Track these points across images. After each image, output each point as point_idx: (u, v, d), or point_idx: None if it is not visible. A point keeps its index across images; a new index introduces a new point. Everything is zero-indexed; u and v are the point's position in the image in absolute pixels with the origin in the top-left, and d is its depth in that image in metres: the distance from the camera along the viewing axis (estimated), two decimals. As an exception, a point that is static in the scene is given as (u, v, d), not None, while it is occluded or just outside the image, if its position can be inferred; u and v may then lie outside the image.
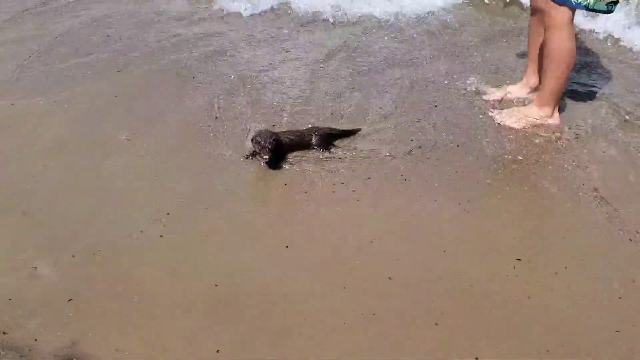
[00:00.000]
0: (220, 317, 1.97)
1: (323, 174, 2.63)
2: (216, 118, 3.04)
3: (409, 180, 2.59)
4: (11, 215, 2.40)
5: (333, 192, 2.52)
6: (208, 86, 3.34)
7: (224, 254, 2.23)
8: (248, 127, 2.90)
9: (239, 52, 3.76)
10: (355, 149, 2.81)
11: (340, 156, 2.75)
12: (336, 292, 2.05)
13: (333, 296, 2.04)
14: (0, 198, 2.50)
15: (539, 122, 2.82)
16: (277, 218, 2.43)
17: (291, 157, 2.73)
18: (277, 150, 2.61)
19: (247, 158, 2.70)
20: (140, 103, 3.19)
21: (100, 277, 2.11)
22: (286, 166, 2.67)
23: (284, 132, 2.74)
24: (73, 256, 2.20)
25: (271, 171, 2.64)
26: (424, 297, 2.03)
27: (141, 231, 2.31)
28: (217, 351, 1.85)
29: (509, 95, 3.10)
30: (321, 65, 3.59)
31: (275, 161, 2.63)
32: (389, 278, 2.10)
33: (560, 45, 2.62)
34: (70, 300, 2.02)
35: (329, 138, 2.79)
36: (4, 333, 1.89)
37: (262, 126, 2.82)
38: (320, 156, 2.73)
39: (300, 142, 2.74)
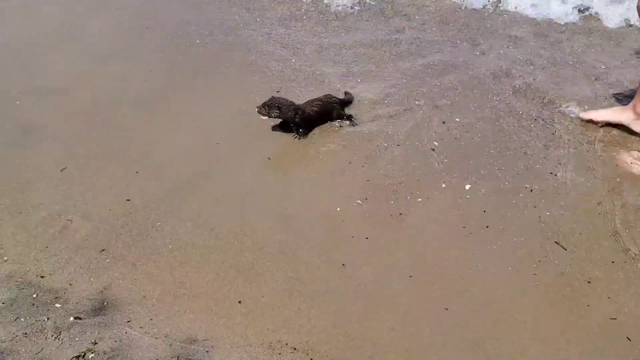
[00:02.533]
0: (245, 269, 2.04)
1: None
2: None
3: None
4: (50, 170, 2.52)
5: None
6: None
7: (252, 210, 2.30)
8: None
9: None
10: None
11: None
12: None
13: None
14: (41, 156, 2.61)
15: None
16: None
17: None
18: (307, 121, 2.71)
19: (276, 129, 2.77)
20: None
21: (133, 229, 2.21)
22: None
23: (306, 104, 2.77)
24: (110, 210, 2.30)
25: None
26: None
27: (178, 187, 2.40)
28: (239, 302, 1.93)
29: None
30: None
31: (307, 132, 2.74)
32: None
33: None
34: (102, 250, 2.12)
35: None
36: (41, 277, 2.00)
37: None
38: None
39: (323, 112, 2.78)
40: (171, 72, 3.31)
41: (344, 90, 3.00)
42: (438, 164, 2.55)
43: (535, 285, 1.99)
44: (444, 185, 2.42)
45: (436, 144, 2.67)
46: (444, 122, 2.80)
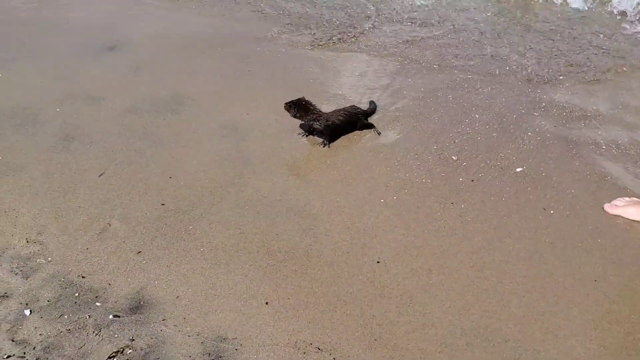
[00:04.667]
0: (272, 272, 2.13)
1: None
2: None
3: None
4: (89, 175, 2.65)
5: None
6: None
7: (280, 214, 2.39)
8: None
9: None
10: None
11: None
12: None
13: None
14: (80, 161, 2.75)
15: None
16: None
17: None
18: (331, 129, 2.78)
19: (305, 136, 2.87)
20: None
21: (167, 232, 2.31)
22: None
23: (333, 113, 2.83)
24: (145, 213, 2.42)
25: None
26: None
27: (209, 192, 2.51)
28: (266, 303, 2.02)
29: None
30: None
31: (332, 139, 2.82)
32: (428, 247, 2.19)
33: None
34: (139, 252, 2.24)
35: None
36: (82, 277, 2.13)
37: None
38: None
39: (348, 122, 2.85)
40: (205, 80, 3.43)
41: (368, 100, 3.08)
42: (460, 172, 2.60)
43: (553, 291, 2.02)
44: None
45: (454, 158, 2.72)
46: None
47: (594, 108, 3.09)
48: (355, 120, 2.86)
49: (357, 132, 2.91)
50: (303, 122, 2.81)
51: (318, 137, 2.85)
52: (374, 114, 3.05)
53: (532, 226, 2.31)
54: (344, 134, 2.88)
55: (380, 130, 2.91)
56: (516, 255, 2.19)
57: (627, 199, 2.38)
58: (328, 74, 3.51)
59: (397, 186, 2.54)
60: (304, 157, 2.77)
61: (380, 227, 2.33)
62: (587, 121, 2.99)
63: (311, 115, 2.76)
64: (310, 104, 2.78)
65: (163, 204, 2.46)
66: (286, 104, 2.78)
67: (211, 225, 2.34)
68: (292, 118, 2.82)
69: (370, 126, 2.91)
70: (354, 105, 2.93)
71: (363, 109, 2.95)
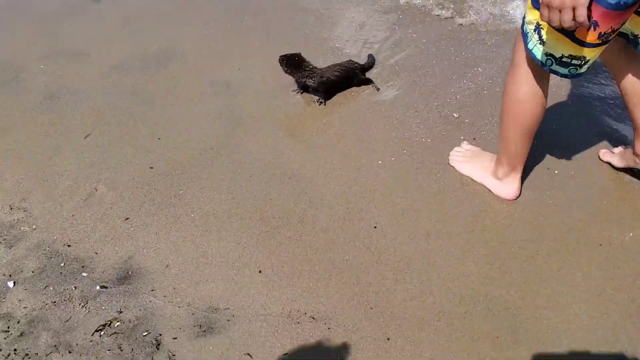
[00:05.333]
0: (265, 239, 2.06)
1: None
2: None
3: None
4: (74, 137, 2.55)
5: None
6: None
7: (273, 179, 2.31)
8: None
9: None
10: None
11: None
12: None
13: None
14: (65, 122, 2.64)
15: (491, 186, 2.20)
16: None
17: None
18: (326, 86, 2.68)
19: (298, 92, 2.76)
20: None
21: (156, 198, 2.24)
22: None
23: (328, 68, 2.72)
24: (133, 178, 2.33)
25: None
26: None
27: (200, 154, 2.42)
28: (259, 271, 1.96)
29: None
30: None
31: (328, 97, 2.72)
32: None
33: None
34: (127, 219, 2.16)
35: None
36: (68, 245, 2.06)
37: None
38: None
39: (345, 77, 2.73)
40: (199, 35, 3.28)
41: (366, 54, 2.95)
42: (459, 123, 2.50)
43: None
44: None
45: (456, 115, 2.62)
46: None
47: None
48: (352, 75, 2.74)
49: (355, 88, 2.80)
50: (295, 79, 2.69)
51: (314, 94, 2.73)
52: (372, 68, 2.92)
53: (536, 186, 2.23)
54: (340, 91, 2.77)
55: (379, 86, 2.79)
56: (518, 218, 2.11)
57: (466, 147, 2.33)
58: (324, 24, 3.34)
59: (395, 146, 2.45)
60: (299, 116, 2.67)
61: (378, 190, 2.25)
62: (594, 77, 2.87)
63: (303, 72, 2.65)
64: (304, 59, 2.66)
65: (152, 167, 2.38)
66: (280, 57, 2.66)
67: (202, 190, 2.27)
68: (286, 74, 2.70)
69: (369, 81, 2.79)
70: (350, 60, 2.80)
71: (361, 63, 2.83)
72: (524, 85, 1.85)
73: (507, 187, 2.17)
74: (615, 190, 2.20)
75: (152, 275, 1.94)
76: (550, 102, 2.58)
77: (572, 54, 1.64)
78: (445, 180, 2.28)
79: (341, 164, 2.37)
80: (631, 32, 1.79)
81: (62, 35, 3.32)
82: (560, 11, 1.43)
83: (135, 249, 2.04)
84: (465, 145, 2.39)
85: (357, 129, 2.56)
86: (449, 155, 2.37)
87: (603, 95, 2.72)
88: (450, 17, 3.36)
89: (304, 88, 2.73)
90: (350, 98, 2.75)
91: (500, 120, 2.03)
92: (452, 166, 2.32)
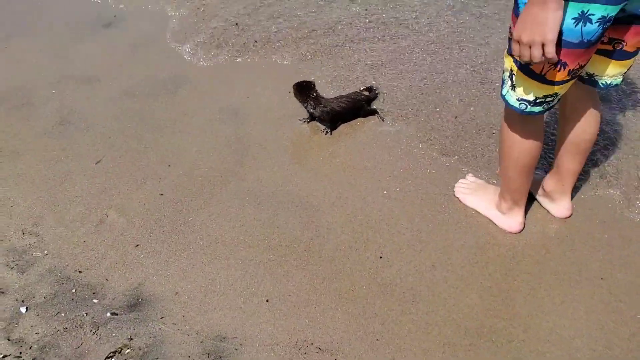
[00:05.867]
0: (273, 267, 2.09)
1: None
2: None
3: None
4: (86, 162, 2.60)
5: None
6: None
7: (281, 207, 2.34)
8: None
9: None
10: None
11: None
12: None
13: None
14: (76, 147, 2.69)
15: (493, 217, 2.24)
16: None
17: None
18: (330, 115, 2.70)
19: (305, 121, 2.80)
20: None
21: (166, 225, 2.27)
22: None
23: (334, 99, 2.75)
24: (144, 204, 2.37)
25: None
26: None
27: (209, 181, 2.46)
28: (267, 300, 1.99)
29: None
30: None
31: (334, 127, 2.75)
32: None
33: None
34: (137, 245, 2.20)
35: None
36: (80, 272, 2.09)
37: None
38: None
39: (352, 109, 2.77)
40: (207, 61, 3.34)
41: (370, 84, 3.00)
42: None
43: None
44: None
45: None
46: (456, 117, 2.77)
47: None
48: (358, 107, 2.78)
49: (360, 118, 2.84)
50: (304, 107, 2.73)
51: (320, 123, 2.78)
52: (377, 99, 2.96)
53: (539, 220, 2.26)
54: (346, 121, 2.81)
55: (384, 116, 2.83)
56: (522, 251, 2.14)
57: (470, 179, 2.37)
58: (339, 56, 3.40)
59: (400, 177, 2.49)
60: (306, 144, 2.71)
61: (384, 220, 2.28)
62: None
63: (310, 102, 2.69)
64: (312, 87, 2.69)
65: (162, 194, 2.42)
66: (294, 85, 2.70)
67: (211, 217, 2.30)
68: (296, 102, 2.74)
69: (374, 112, 2.83)
70: (357, 92, 2.85)
71: (366, 94, 2.87)
72: (518, 127, 1.89)
73: (510, 220, 2.20)
74: (616, 224, 2.23)
75: (162, 302, 1.97)
76: (551, 137, 2.61)
77: (546, 94, 1.69)
78: (450, 211, 2.31)
79: (347, 193, 2.40)
80: (586, 72, 1.84)
81: (73, 60, 3.39)
82: (530, 47, 1.49)
83: (145, 275, 2.07)
84: (470, 178, 2.42)
85: (363, 158, 2.59)
86: (453, 186, 2.40)
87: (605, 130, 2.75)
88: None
89: (311, 117, 2.77)
90: (356, 128, 2.79)
91: (499, 158, 2.07)
92: (457, 198, 2.35)
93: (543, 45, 1.46)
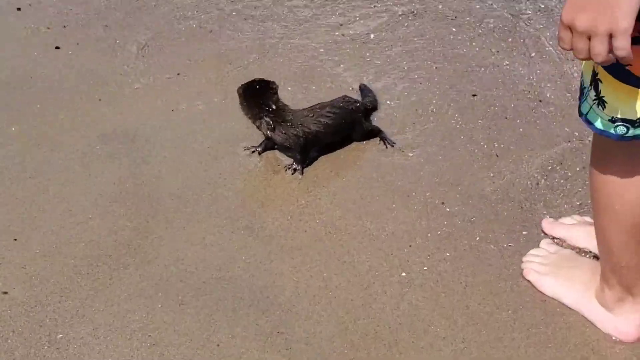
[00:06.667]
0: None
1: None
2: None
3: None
4: None
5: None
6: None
7: (230, 310, 2.14)
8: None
9: None
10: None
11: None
12: None
13: None
14: None
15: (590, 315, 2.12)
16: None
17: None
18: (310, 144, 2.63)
19: (253, 151, 2.72)
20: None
21: (19, 348, 2.03)
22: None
23: (308, 111, 2.65)
24: None
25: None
26: None
27: (88, 265, 2.30)
28: None
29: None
30: None
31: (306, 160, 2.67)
32: None
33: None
34: None
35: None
36: None
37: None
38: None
39: (339, 126, 2.66)
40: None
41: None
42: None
43: None
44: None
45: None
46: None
47: None
48: (350, 122, 2.65)
49: (354, 143, 2.75)
50: (256, 125, 2.62)
51: (284, 154, 2.67)
52: (377, 110, 2.89)
53: None
54: (330, 149, 2.71)
55: (393, 141, 2.72)
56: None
57: (549, 248, 2.32)
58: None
59: (429, 247, 2.32)
60: (259, 193, 2.56)
61: (404, 325, 2.08)
62: None
63: (266, 117, 2.56)
64: (272, 94, 2.59)
65: (5, 292, 2.22)
66: (239, 87, 2.61)
67: (96, 332, 2.08)
68: (241, 118, 2.66)
69: (377, 133, 2.71)
70: (346, 96, 2.72)
71: (362, 101, 2.78)
72: (618, 164, 1.81)
73: (623, 321, 2.06)
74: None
75: None
76: None
77: None
78: (516, 306, 2.14)
79: (336, 278, 2.24)
80: None
81: None
82: (589, 38, 1.39)
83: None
84: (547, 245, 2.31)
85: (361, 214, 2.44)
86: (521, 262, 2.27)
87: None
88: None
89: (267, 144, 2.68)
90: (347, 159, 2.69)
91: (594, 218, 1.98)
92: (529, 281, 2.23)
93: (610, 37, 1.36)
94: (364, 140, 2.73)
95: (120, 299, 2.17)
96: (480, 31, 3.40)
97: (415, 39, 3.35)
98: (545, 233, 2.35)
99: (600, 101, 1.63)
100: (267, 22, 3.47)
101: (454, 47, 3.30)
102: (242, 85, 2.59)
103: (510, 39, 3.34)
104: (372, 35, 3.38)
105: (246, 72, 3.03)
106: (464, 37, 3.39)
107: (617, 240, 1.90)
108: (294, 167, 2.59)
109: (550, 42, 3.28)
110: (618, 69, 1.53)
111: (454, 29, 3.43)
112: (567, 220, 2.39)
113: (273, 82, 2.60)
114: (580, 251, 2.28)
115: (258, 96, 2.56)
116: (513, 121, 2.86)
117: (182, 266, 2.28)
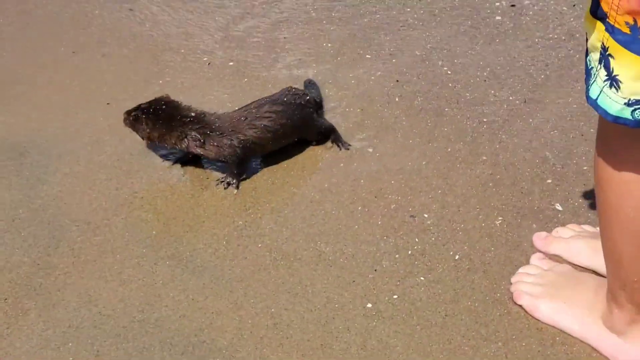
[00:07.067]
0: None
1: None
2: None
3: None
4: None
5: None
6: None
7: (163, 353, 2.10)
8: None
9: None
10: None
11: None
12: None
13: None
14: None
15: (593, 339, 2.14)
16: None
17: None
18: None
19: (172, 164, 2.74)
20: None
21: None
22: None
23: (241, 113, 2.67)
24: None
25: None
26: None
27: None
28: None
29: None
30: None
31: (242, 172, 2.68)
32: None
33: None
34: None
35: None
36: None
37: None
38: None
39: (286, 127, 2.67)
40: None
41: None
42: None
43: None
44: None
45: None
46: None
47: None
48: (299, 121, 2.67)
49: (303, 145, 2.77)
50: (169, 146, 2.65)
51: (213, 163, 2.70)
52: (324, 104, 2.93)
53: None
54: (270, 157, 2.71)
55: (347, 143, 2.76)
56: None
57: (542, 265, 2.35)
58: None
59: (399, 271, 2.32)
60: (186, 214, 2.54)
61: None
62: None
63: (191, 134, 2.57)
64: (178, 106, 2.63)
65: None
66: (127, 114, 2.64)
67: None
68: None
69: (330, 133, 2.75)
70: (292, 88, 2.75)
71: (311, 95, 2.81)
72: (630, 158, 1.80)
73: (636, 347, 2.06)
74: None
75: None
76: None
77: None
78: (507, 337, 2.14)
79: (287, 314, 2.22)
80: None
81: None
82: None
83: None
84: (539, 261, 2.32)
85: (312, 234, 2.45)
86: (510, 283, 2.28)
87: None
88: None
89: (185, 158, 2.71)
90: (291, 167, 2.69)
91: (599, 224, 1.97)
92: (520, 306, 2.23)
93: None
94: (318, 142, 2.76)
95: (21, 352, 2.13)
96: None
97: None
98: (539, 251, 2.38)
99: (613, 81, 1.62)
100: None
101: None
102: (130, 110, 2.62)
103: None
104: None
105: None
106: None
107: (628, 251, 1.89)
108: (227, 180, 2.59)
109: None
110: (634, 40, 1.52)
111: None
112: (563, 232, 2.39)
113: (165, 97, 2.63)
114: (582, 269, 2.29)
115: (165, 113, 2.59)
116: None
117: (95, 309, 2.24)
